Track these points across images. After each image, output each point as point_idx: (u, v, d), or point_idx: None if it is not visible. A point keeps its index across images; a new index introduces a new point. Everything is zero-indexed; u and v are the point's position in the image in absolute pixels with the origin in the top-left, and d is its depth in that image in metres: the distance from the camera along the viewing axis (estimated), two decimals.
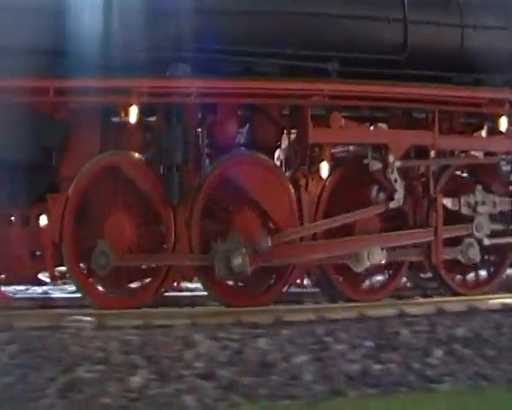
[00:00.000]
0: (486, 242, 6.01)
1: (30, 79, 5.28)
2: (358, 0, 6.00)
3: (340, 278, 6.00)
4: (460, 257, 5.96)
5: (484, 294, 6.08)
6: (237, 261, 5.29)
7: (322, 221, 5.74)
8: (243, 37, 5.59)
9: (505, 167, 6.29)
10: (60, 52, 5.35)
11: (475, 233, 5.99)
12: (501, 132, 6.05)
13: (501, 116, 6.02)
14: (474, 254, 5.98)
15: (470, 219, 6.02)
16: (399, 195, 5.70)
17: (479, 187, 6.05)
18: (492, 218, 6.06)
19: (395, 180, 5.67)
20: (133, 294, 5.76)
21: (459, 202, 5.96)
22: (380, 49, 5.94)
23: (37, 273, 5.81)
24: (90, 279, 5.74)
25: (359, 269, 5.72)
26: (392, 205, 5.71)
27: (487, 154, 6.25)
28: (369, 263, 5.64)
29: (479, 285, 6.36)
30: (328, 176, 5.78)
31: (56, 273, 5.70)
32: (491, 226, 6.04)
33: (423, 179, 6.08)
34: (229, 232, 5.50)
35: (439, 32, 6.12)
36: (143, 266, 5.82)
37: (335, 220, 5.72)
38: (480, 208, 5.97)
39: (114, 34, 5.42)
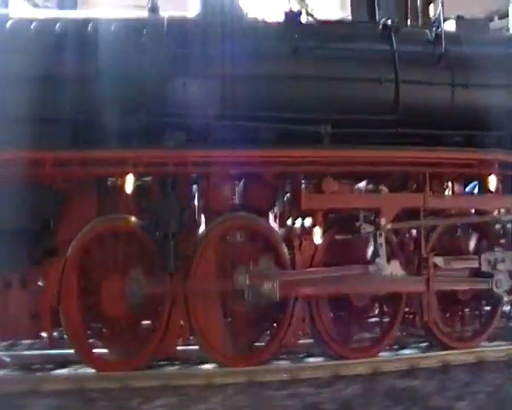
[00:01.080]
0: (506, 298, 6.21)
1: (27, 152, 5.38)
2: (351, 62, 6.08)
3: (331, 336, 6.07)
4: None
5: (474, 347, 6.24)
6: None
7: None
8: (239, 101, 5.72)
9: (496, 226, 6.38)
10: (57, 121, 5.52)
11: (495, 290, 6.14)
12: (490, 191, 6.16)
13: (490, 175, 6.13)
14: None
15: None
16: (381, 261, 5.79)
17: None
18: None
19: (380, 245, 5.77)
20: (132, 355, 5.86)
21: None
22: (372, 109, 6.04)
23: (35, 335, 5.94)
24: (89, 342, 5.85)
25: None
26: (371, 269, 5.81)
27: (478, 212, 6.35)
28: None
29: (470, 339, 6.46)
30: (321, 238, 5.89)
31: (55, 336, 5.85)
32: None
33: (414, 237, 6.19)
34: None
35: (430, 91, 6.23)
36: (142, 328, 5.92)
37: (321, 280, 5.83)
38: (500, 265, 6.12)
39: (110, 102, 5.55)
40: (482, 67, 6.34)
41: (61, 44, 5.65)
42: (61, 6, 6.58)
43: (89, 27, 5.76)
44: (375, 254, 5.79)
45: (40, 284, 5.77)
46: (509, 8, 7.04)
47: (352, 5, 8.18)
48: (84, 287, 5.76)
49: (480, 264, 6.10)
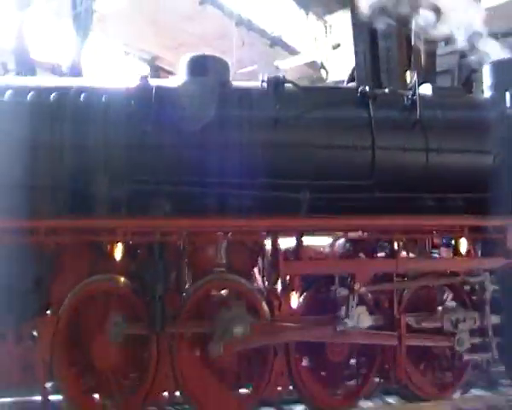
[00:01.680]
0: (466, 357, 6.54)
1: (21, 221, 5.74)
2: (329, 130, 6.41)
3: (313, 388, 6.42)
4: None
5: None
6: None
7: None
8: (220, 168, 6.06)
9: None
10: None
11: (457, 348, 6.49)
12: (461, 254, 6.51)
13: (460, 238, 6.47)
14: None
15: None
16: (350, 322, 6.13)
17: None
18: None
19: (352, 307, 6.11)
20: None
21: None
22: (349, 175, 6.38)
23: (28, 387, 6.30)
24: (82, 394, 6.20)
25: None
26: (339, 328, 6.14)
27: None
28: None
29: (444, 391, 6.79)
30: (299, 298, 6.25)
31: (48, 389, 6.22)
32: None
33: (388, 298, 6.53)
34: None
35: (405, 156, 6.57)
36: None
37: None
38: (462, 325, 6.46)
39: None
40: (454, 131, 6.70)
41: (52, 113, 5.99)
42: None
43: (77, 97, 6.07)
44: (346, 314, 6.13)
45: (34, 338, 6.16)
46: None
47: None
48: (75, 342, 6.12)
49: (442, 324, 6.43)
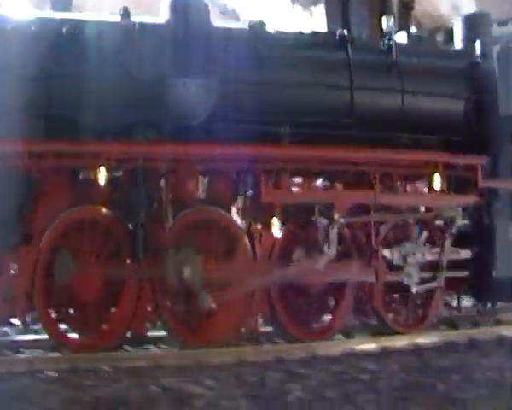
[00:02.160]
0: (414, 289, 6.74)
1: (3, 143, 5.72)
2: (309, 69, 6.59)
3: (288, 319, 6.52)
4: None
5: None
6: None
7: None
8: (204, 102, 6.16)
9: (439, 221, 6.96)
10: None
11: (405, 281, 6.68)
12: (435, 189, 6.76)
13: (434, 174, 6.72)
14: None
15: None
16: (331, 253, 6.31)
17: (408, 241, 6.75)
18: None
19: (332, 238, 6.28)
20: (102, 335, 6.20)
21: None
22: (328, 113, 6.57)
23: (9, 318, 6.26)
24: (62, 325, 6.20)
25: None
26: (322, 261, 6.31)
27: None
28: None
29: (415, 324, 7.02)
30: (280, 230, 6.38)
31: (28, 319, 6.19)
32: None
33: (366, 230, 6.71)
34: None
35: (382, 97, 6.81)
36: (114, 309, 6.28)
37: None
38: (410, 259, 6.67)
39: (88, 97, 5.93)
40: (429, 76, 6.96)
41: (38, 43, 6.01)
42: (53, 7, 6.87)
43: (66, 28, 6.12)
44: (327, 245, 6.28)
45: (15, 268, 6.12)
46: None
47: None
48: (57, 273, 6.11)
49: (392, 257, 6.63)
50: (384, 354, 6.03)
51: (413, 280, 6.67)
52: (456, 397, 4.51)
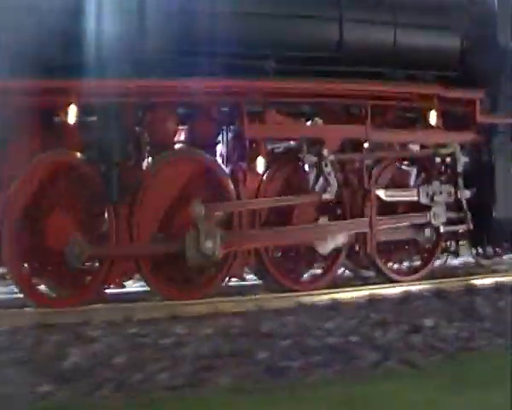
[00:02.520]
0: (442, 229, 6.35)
1: None
2: (297, 0, 6.17)
3: (279, 270, 6.16)
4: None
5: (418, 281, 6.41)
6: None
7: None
8: (188, 36, 5.74)
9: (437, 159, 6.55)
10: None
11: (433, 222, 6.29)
12: (431, 126, 6.34)
13: (430, 110, 6.30)
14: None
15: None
16: (332, 188, 5.92)
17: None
18: None
19: (329, 173, 5.88)
20: (77, 292, 5.84)
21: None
22: (316, 47, 6.14)
23: None
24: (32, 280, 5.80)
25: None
26: (325, 197, 5.92)
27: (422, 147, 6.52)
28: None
29: (412, 273, 6.64)
30: (266, 171, 5.98)
31: None
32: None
33: (358, 172, 6.31)
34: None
35: (373, 30, 6.38)
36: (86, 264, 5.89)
37: (268, 202, 5.90)
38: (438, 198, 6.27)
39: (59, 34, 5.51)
40: (423, 10, 6.54)
41: None
42: None
43: None
44: (326, 183, 5.90)
45: None
46: None
47: None
48: (27, 223, 5.72)
49: (418, 197, 6.24)
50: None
51: (440, 220, 6.29)
52: None
